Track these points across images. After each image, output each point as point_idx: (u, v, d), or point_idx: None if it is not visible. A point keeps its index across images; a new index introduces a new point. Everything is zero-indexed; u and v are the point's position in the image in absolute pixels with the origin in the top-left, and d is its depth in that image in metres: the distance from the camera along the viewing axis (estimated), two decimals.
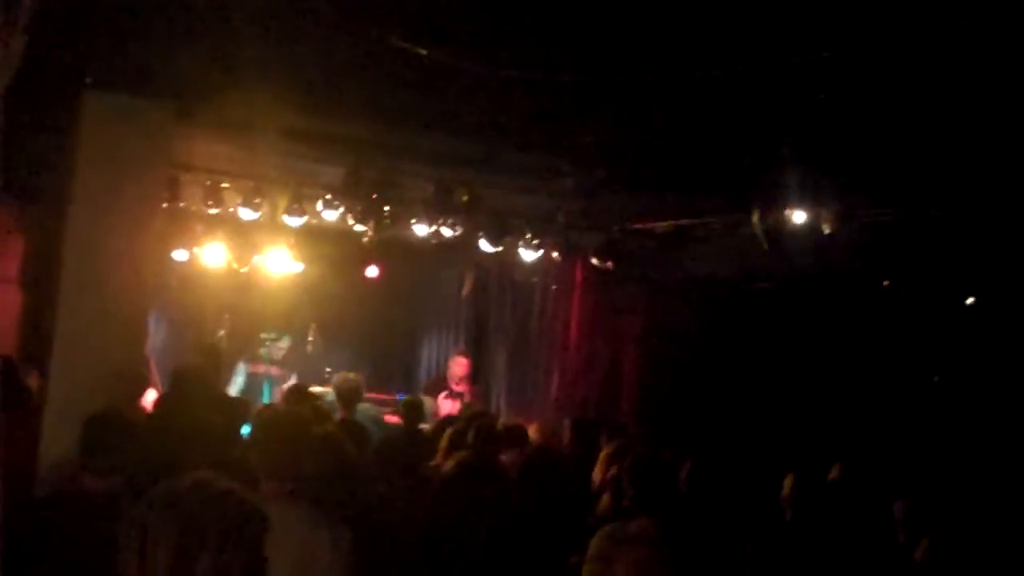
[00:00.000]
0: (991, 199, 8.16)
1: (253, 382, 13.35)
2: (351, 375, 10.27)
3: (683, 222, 11.23)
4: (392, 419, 10.75)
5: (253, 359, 13.29)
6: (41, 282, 11.09)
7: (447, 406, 12.15)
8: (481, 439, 8.01)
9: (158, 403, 8.56)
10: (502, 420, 10.76)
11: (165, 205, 9.35)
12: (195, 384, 8.40)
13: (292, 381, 12.22)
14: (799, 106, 6.98)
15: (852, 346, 10.99)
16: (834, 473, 7.31)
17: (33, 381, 8.60)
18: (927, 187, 8.28)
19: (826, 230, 8.22)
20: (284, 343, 13.64)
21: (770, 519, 6.22)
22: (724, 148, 8.30)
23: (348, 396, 9.50)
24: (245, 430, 8.94)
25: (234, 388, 12.79)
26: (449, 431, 8.17)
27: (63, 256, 7.15)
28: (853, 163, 7.92)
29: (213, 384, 8.80)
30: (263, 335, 13.79)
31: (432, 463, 7.92)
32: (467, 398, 12.74)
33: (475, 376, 13.85)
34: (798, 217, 8.35)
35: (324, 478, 4.72)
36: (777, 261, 9.74)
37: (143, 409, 7.73)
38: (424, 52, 6.46)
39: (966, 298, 10.51)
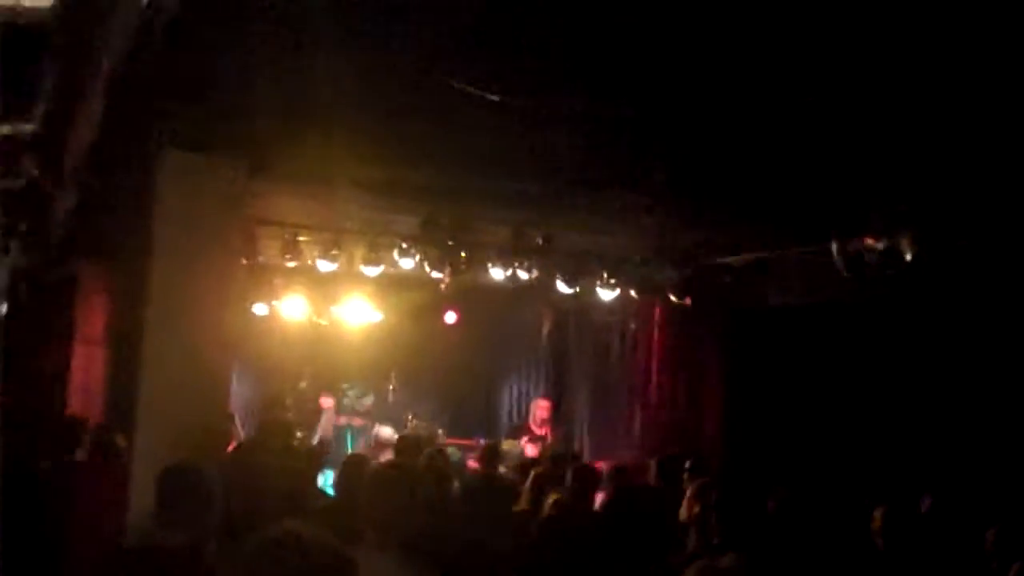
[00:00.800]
0: None
1: (337, 433, 13.43)
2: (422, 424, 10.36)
3: (761, 254, 11.14)
4: (475, 464, 10.74)
5: (341, 409, 13.39)
6: (125, 342, 11.29)
7: (530, 450, 12.13)
8: (577, 480, 8.00)
9: (237, 451, 8.66)
10: (586, 461, 10.73)
11: (244, 261, 9.47)
12: (276, 436, 8.49)
13: (378, 431, 12.27)
14: (876, 133, 6.89)
15: (938, 373, 10.79)
16: (926, 504, 7.18)
17: (121, 440, 8.74)
18: (1009, 209, 8.14)
19: (907, 257, 8.11)
20: (368, 400, 13.72)
21: (862, 552, 6.11)
22: (800, 178, 8.23)
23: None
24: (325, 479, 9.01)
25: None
26: (533, 473, 8.14)
27: (145, 314, 7.23)
28: (932, 189, 7.82)
29: (290, 435, 8.86)
30: (344, 385, 13.89)
31: (517, 508, 7.89)
32: (549, 441, 12.70)
33: (557, 418, 13.82)
34: (877, 245, 8.24)
35: (427, 531, 4.72)
36: (857, 289, 9.61)
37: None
38: (495, 97, 6.47)
39: None
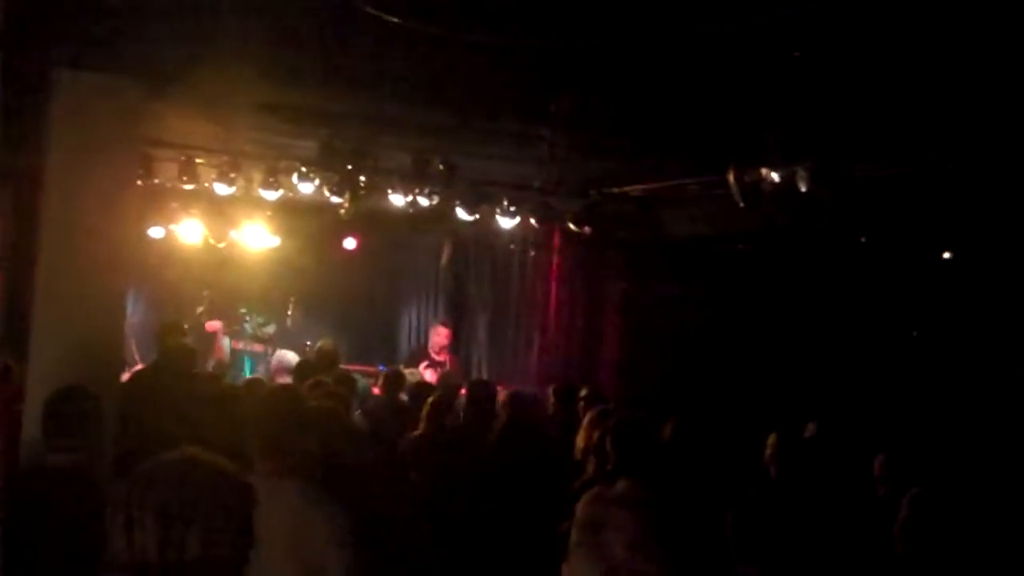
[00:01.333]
0: (966, 153, 8.19)
1: (234, 359, 13.35)
2: (327, 343, 10.31)
3: (659, 184, 11.23)
4: (375, 391, 10.76)
5: (234, 336, 13.27)
6: (19, 264, 11.06)
7: (428, 376, 12.17)
8: (472, 397, 8.06)
9: (134, 378, 8.57)
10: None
11: (140, 183, 9.32)
12: (178, 361, 8.42)
13: (280, 356, 12.22)
14: (772, 63, 6.96)
15: (831, 304, 11.04)
16: (809, 431, 7.36)
17: (14, 363, 8.60)
18: (902, 142, 8.29)
19: (802, 188, 8.22)
20: (271, 328, 13.61)
21: (754, 478, 6.25)
22: (698, 109, 8.29)
23: (326, 365, 9.52)
24: None
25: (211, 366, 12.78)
26: (430, 400, 8.19)
27: (39, 237, 7.11)
28: (828, 119, 7.92)
29: (192, 362, 8.79)
30: (242, 311, 13.77)
31: (414, 433, 7.95)
32: (448, 367, 12.77)
33: (456, 345, 13.89)
34: (774, 176, 8.34)
35: (321, 455, 4.73)
36: (754, 221, 9.76)
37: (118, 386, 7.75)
38: (396, 20, 6.42)
39: (943, 253, 10.56)
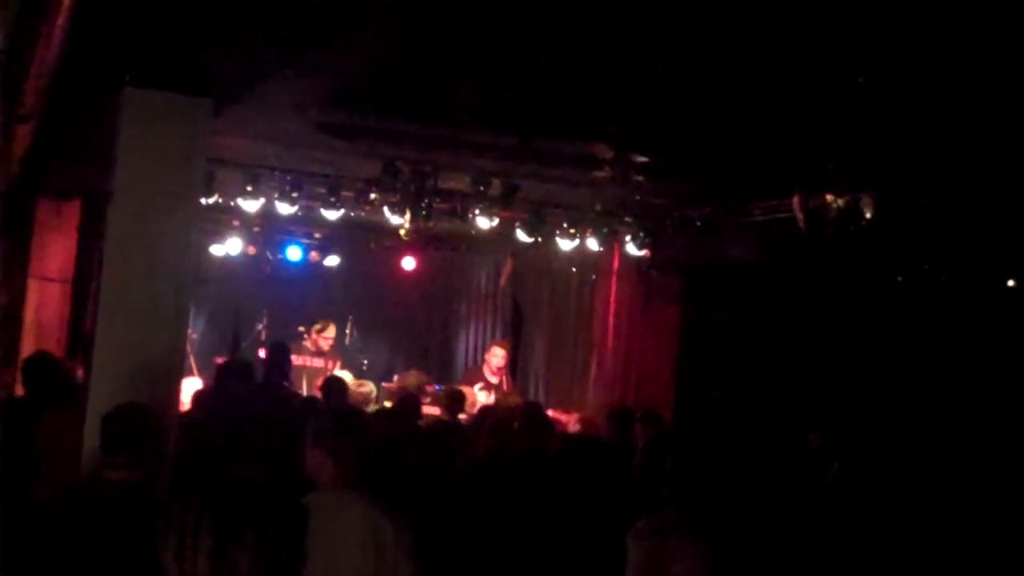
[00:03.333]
0: None
1: (296, 374, 13.36)
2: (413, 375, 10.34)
3: (720, 208, 11.18)
4: (431, 410, 10.77)
5: (299, 350, 13.34)
6: (82, 278, 11.20)
7: (483, 397, 12.17)
8: (534, 429, 8.04)
9: (197, 397, 8.63)
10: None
11: (203, 200, 9.41)
12: (237, 379, 8.48)
13: (338, 371, 12.26)
14: (840, 90, 6.91)
15: (893, 332, 10.93)
16: (874, 458, 7.29)
17: (79, 374, 8.70)
18: (967, 169, 8.20)
19: (867, 214, 8.16)
20: (330, 332, 13.61)
21: (814, 509, 6.21)
22: (760, 133, 8.25)
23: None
24: None
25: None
26: (490, 421, 8.18)
27: (104, 252, 7.18)
28: (894, 146, 7.86)
29: (253, 378, 8.86)
30: (300, 328, 13.85)
31: (473, 454, 7.94)
32: (505, 388, 12.75)
33: (513, 366, 13.87)
34: (839, 201, 8.27)
35: (385, 469, 4.76)
36: (814, 246, 9.68)
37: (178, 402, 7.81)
38: (460, 42, 6.44)
39: (1007, 281, 10.45)
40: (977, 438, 9.68)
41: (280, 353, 9.91)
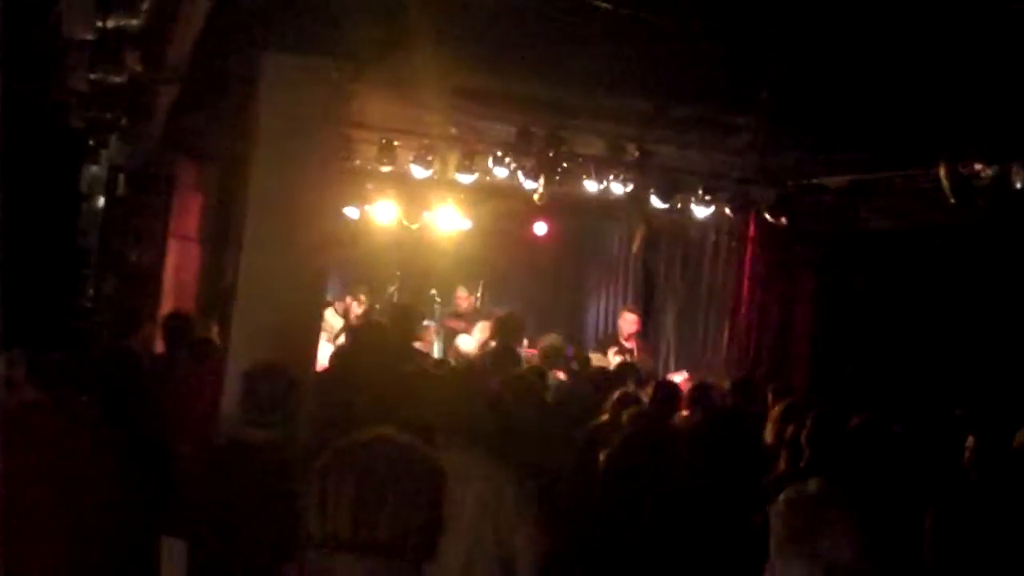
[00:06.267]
0: None
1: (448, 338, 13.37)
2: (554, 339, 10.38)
3: (861, 177, 10.95)
4: (558, 375, 10.77)
5: (446, 316, 13.42)
6: (219, 238, 11.45)
7: (617, 362, 12.12)
8: (659, 399, 8.00)
9: (334, 359, 8.75)
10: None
11: (339, 163, 9.53)
12: (375, 341, 8.56)
13: (457, 342, 12.32)
14: (987, 57, 6.70)
15: None
16: (1019, 438, 7.05)
17: (214, 335, 8.90)
18: None
19: (1017, 184, 7.92)
20: (463, 292, 13.72)
21: (953, 481, 6.04)
22: (904, 101, 8.05)
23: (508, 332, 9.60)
24: None
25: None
26: (619, 391, 8.15)
27: (246, 213, 7.32)
28: None
29: (394, 340, 8.91)
30: (432, 292, 13.96)
31: (601, 420, 7.92)
32: (637, 354, 12.70)
33: (644, 333, 13.81)
34: (988, 171, 8.05)
35: (498, 432, 4.79)
36: (954, 216, 9.44)
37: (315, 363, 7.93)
38: (606, 5, 6.37)
39: None
40: None
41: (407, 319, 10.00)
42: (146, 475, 4.88)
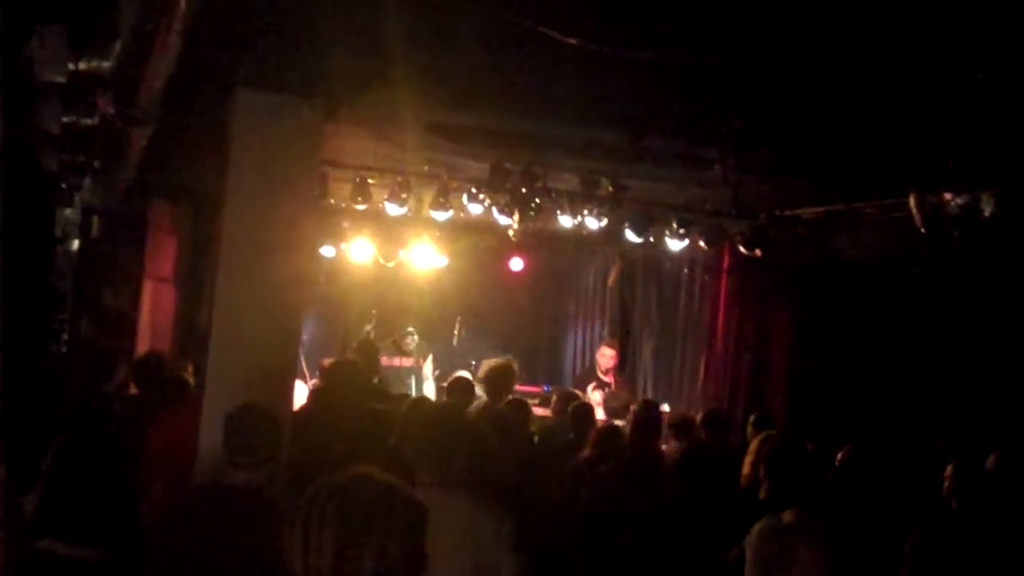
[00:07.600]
0: None
1: (394, 376, 13.33)
2: (501, 360, 10.20)
3: (834, 207, 11.00)
4: (539, 411, 10.74)
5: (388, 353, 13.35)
6: (194, 279, 11.41)
7: (597, 397, 12.11)
8: (643, 430, 7.99)
9: (312, 397, 8.71)
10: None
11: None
12: (349, 379, 8.52)
13: (428, 369, 12.30)
14: (957, 86, 6.76)
15: (1011, 332, 10.63)
16: (991, 461, 7.07)
17: (189, 375, 8.84)
18: None
19: (986, 212, 7.96)
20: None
21: (931, 510, 6.05)
22: (873, 132, 8.10)
23: (498, 383, 9.50)
24: None
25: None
26: (599, 424, 8.17)
27: (219, 253, 7.28)
28: (1014, 143, 7.66)
29: (368, 379, 8.90)
30: (408, 329, 13.92)
31: (582, 454, 7.91)
32: (615, 388, 12.69)
33: (621, 367, 13.81)
34: (958, 200, 8.09)
35: (479, 468, 4.76)
36: (929, 246, 9.48)
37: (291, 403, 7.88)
38: (573, 41, 6.41)
39: None
40: None
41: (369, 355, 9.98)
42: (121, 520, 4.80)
